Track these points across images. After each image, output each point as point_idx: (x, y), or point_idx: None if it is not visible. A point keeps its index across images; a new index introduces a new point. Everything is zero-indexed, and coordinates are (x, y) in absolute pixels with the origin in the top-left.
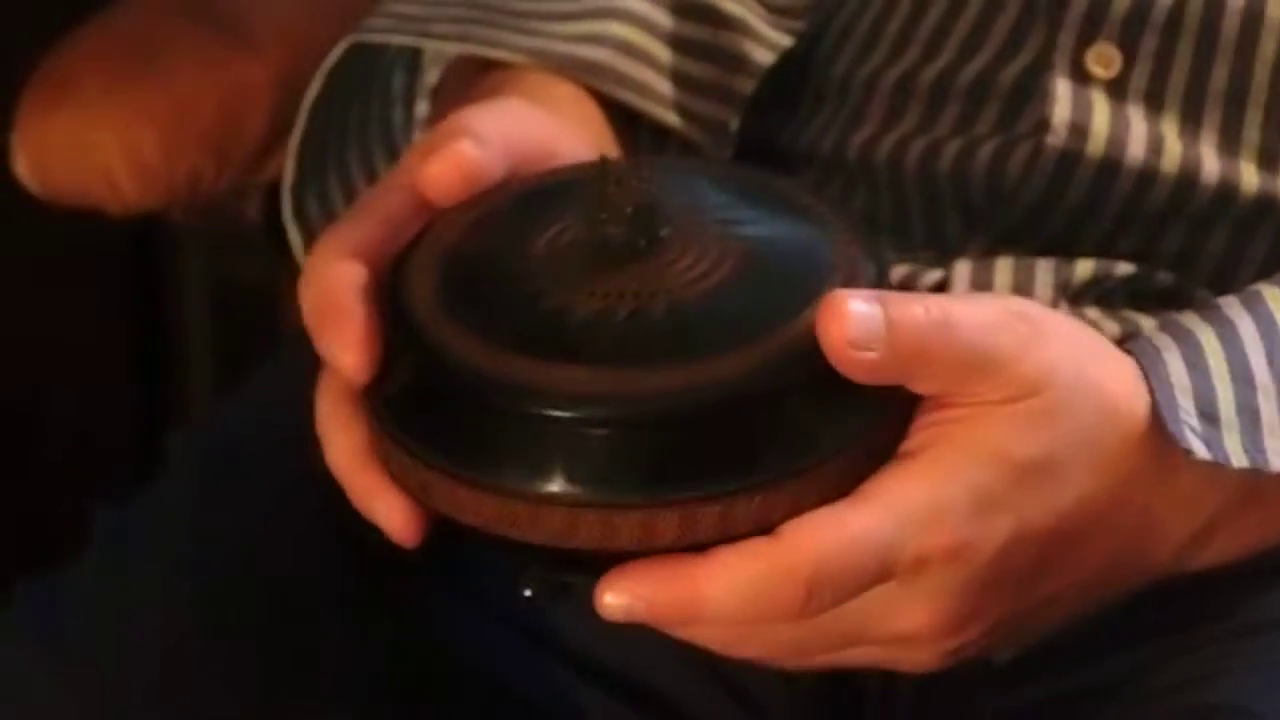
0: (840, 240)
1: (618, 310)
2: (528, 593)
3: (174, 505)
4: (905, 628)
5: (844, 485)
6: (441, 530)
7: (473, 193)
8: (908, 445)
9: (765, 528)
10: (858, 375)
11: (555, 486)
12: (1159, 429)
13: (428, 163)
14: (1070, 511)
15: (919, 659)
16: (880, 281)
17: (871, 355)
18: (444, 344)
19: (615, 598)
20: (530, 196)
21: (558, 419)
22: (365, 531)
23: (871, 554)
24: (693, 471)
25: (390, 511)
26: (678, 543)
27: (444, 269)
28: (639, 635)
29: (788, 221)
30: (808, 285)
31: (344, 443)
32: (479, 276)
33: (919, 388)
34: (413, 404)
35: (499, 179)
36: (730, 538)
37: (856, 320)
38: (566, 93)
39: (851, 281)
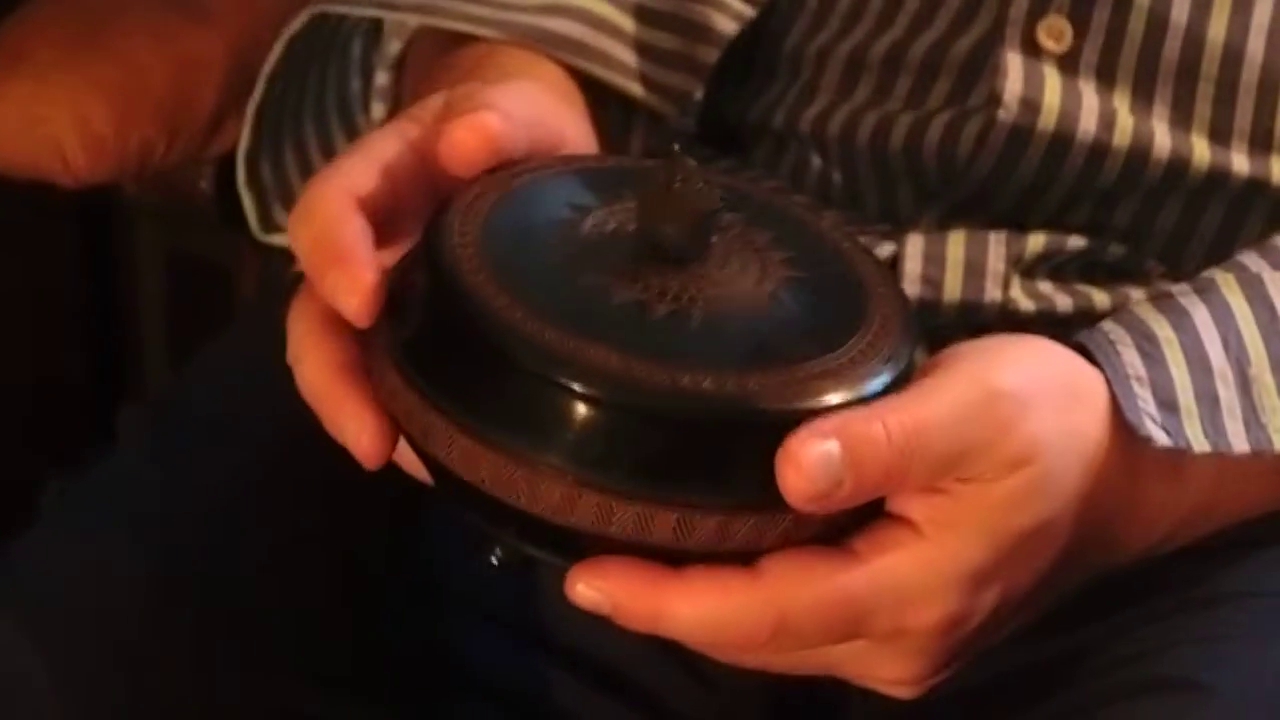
0: (880, 292)
1: (657, 305)
2: (494, 560)
3: (127, 478)
4: (884, 676)
5: (843, 525)
6: (425, 488)
7: (492, 164)
8: (908, 510)
9: (757, 550)
10: (832, 510)
11: (565, 459)
12: (1124, 447)
13: (452, 127)
14: (1054, 563)
15: (900, 694)
16: (908, 338)
17: (838, 495)
18: (482, 297)
19: (586, 589)
20: (581, 176)
21: (585, 395)
22: (321, 502)
23: (845, 615)
24: (703, 477)
25: (361, 429)
26: (670, 545)
27: (487, 226)
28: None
29: (833, 262)
30: (837, 328)
31: (320, 360)
32: (522, 242)
33: (900, 497)
34: (435, 349)
35: (518, 156)
36: (721, 553)
37: (816, 470)
38: (552, 70)
39: (885, 330)
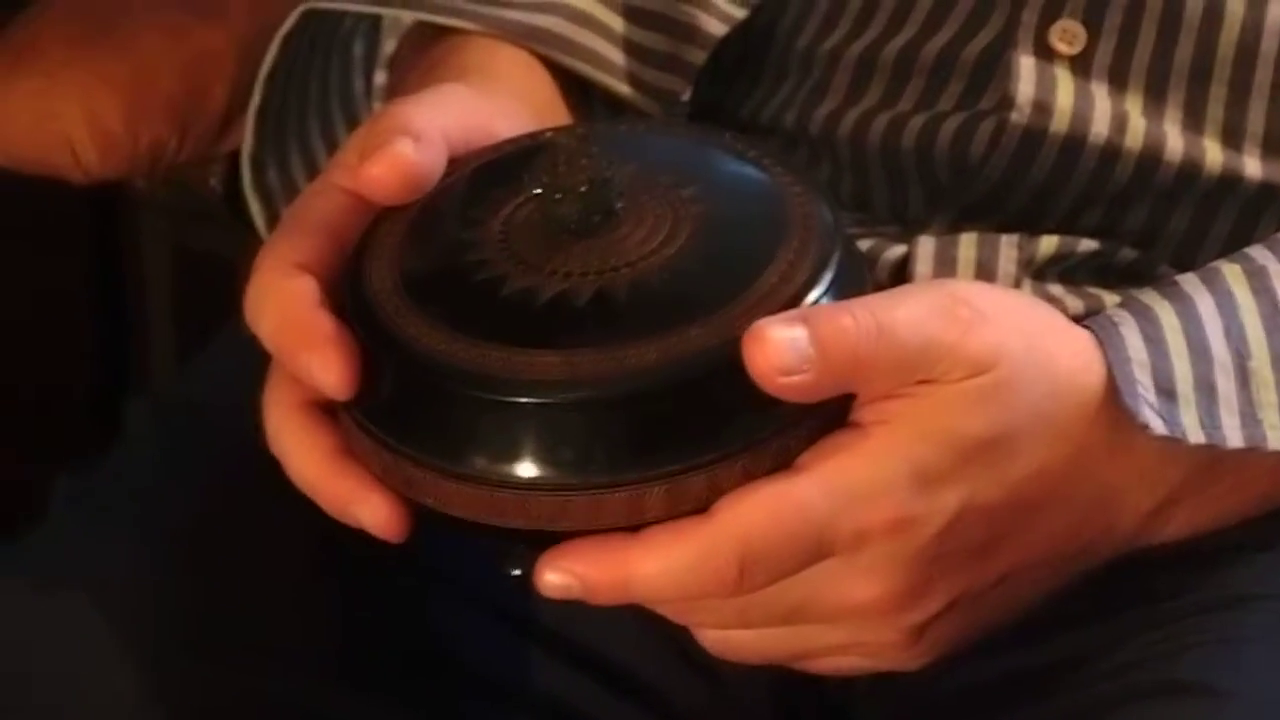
0: (793, 195)
1: (582, 290)
2: (516, 572)
3: (134, 471)
4: (854, 600)
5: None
6: (428, 521)
7: (418, 189)
8: (857, 417)
9: None
10: (795, 397)
11: (541, 473)
12: (1115, 401)
13: (367, 165)
14: (1022, 484)
15: (885, 640)
16: (835, 233)
17: (805, 378)
18: (415, 340)
19: (554, 576)
20: (479, 175)
21: (536, 407)
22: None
23: (805, 531)
24: (675, 445)
25: (376, 511)
26: (667, 515)
27: (403, 261)
28: (607, 612)
29: (739, 179)
30: (761, 249)
31: (308, 453)
32: (440, 266)
33: (865, 395)
34: (389, 402)
35: (440, 174)
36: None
37: (782, 347)
38: (514, 62)
39: (807, 239)
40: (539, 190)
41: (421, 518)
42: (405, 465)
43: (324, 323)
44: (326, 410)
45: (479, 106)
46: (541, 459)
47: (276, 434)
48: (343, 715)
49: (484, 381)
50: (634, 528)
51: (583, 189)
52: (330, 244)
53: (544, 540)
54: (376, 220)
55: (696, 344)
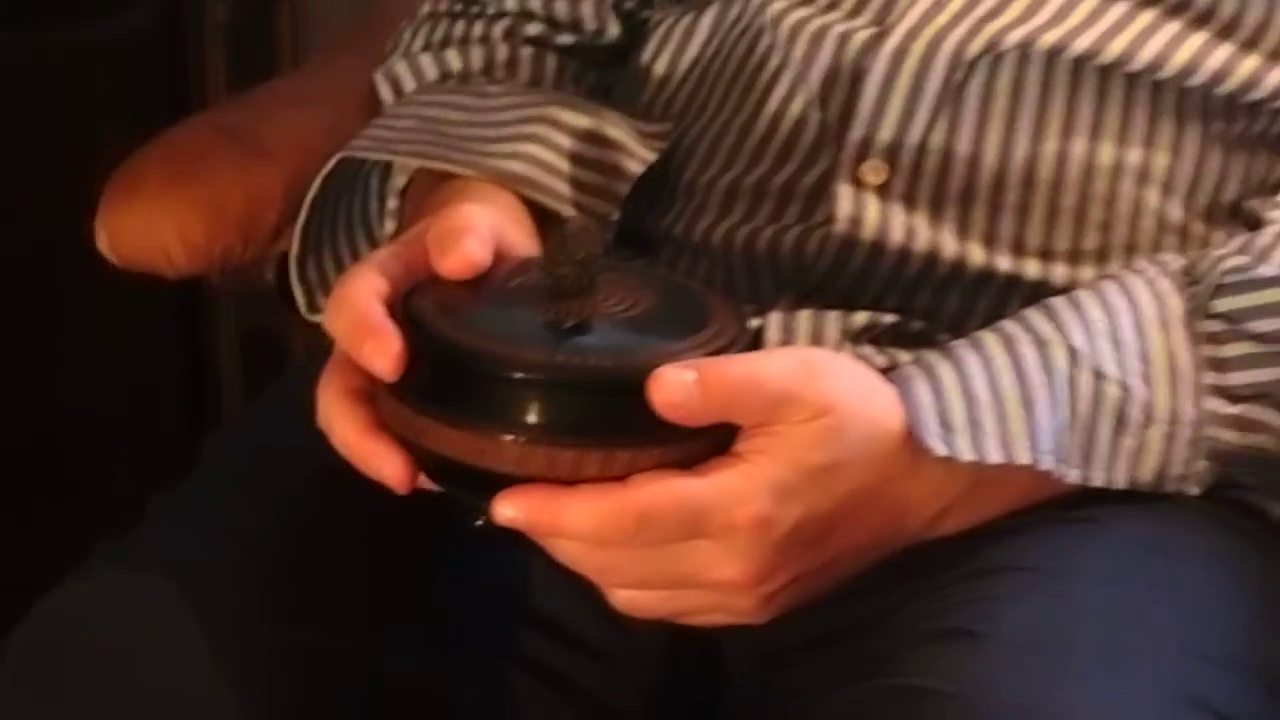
0: (716, 303)
1: (565, 321)
2: (479, 522)
3: (209, 488)
4: (724, 576)
5: (705, 454)
6: (428, 469)
7: (472, 276)
8: (741, 446)
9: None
10: (685, 423)
11: (516, 427)
12: (910, 440)
13: (446, 258)
14: (845, 498)
15: (743, 605)
16: (741, 328)
17: (690, 411)
18: (440, 333)
19: (507, 509)
20: (506, 264)
21: (521, 380)
22: (354, 505)
23: (688, 511)
24: (612, 426)
25: (394, 468)
26: (599, 477)
27: (439, 296)
28: (551, 579)
29: (685, 293)
30: (690, 328)
31: (350, 424)
32: (465, 299)
33: (744, 424)
34: (416, 376)
35: (490, 261)
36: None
37: (671, 387)
38: (507, 199)
39: (725, 328)
40: (547, 253)
41: (424, 466)
42: (419, 418)
43: (387, 327)
44: (364, 397)
45: (506, 228)
46: (517, 418)
47: (327, 410)
48: (373, 658)
49: (482, 359)
50: (574, 484)
51: (579, 257)
52: (387, 289)
53: (506, 488)
54: (428, 278)
55: (638, 363)
